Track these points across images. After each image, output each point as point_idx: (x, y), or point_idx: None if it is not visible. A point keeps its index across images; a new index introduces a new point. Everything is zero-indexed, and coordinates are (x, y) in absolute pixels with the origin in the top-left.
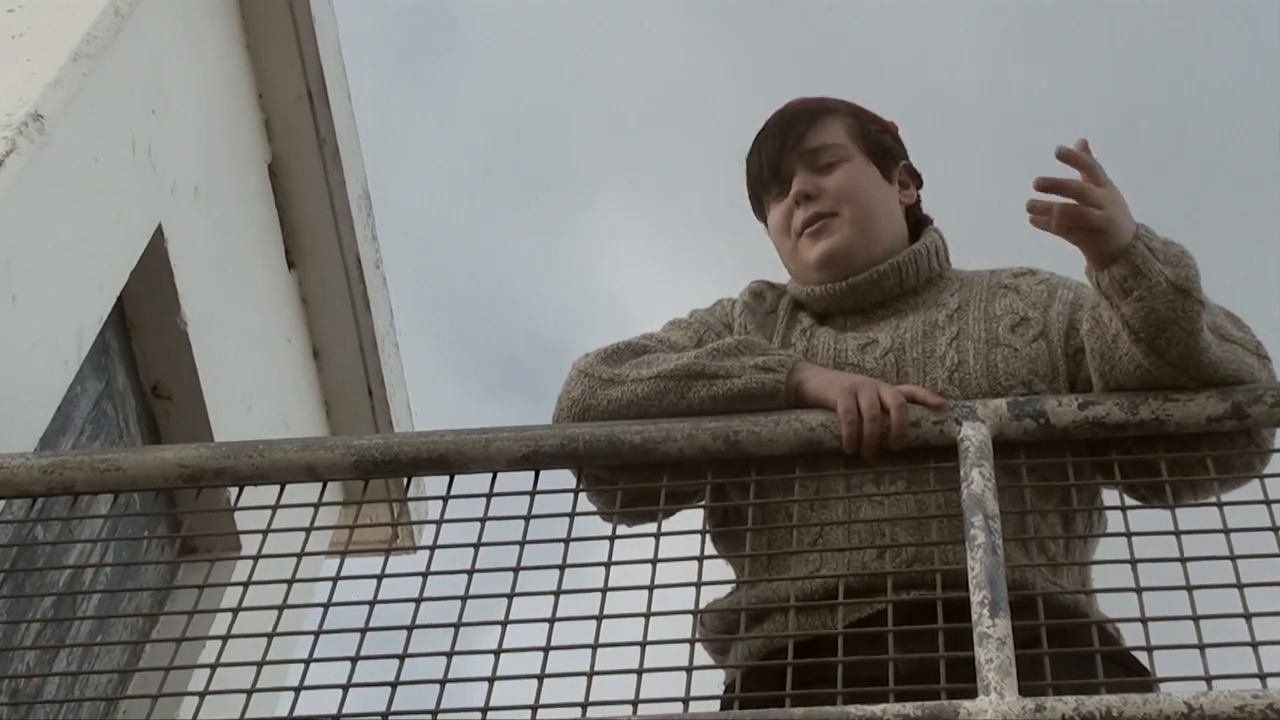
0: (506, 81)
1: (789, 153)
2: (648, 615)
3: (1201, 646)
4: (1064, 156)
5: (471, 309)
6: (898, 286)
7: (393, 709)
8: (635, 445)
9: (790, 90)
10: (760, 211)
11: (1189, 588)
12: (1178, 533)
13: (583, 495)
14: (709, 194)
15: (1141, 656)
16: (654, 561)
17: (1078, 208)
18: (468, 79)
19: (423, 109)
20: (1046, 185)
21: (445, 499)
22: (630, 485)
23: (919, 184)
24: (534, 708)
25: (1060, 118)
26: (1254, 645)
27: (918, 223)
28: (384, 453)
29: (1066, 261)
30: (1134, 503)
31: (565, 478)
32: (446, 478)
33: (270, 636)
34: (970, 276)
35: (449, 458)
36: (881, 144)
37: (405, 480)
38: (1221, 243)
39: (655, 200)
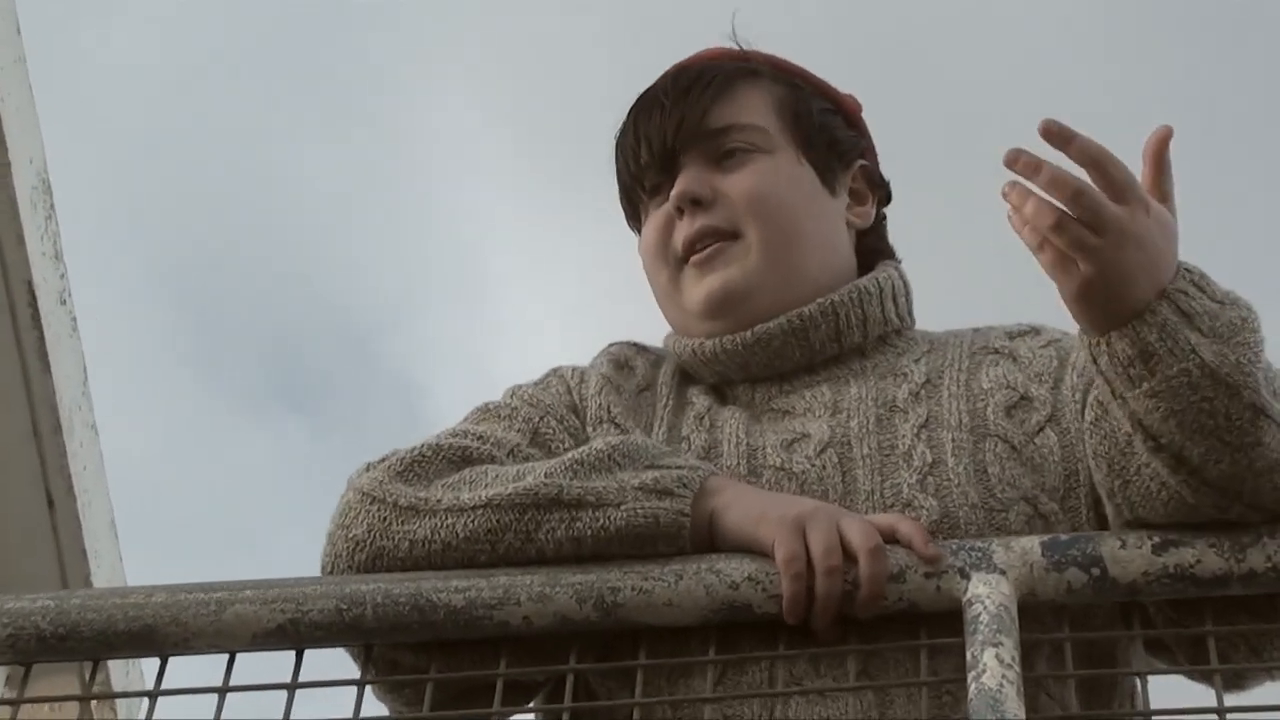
0: None
1: (681, 133)
2: None
3: None
4: (1051, 132)
5: (226, 300)
6: (833, 342)
7: None
8: (455, 611)
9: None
10: (634, 221)
11: None
12: None
13: (373, 689)
14: (600, 66)
15: None
16: None
17: (1062, 221)
18: None
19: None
20: (1015, 161)
21: (154, 695)
22: (448, 674)
23: (883, 198)
24: None
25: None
26: None
27: (873, 255)
28: (57, 623)
29: None
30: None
31: (345, 662)
32: (157, 661)
33: None
34: (943, 339)
35: (159, 630)
36: (826, 131)
37: (92, 666)
38: None
39: (513, 95)
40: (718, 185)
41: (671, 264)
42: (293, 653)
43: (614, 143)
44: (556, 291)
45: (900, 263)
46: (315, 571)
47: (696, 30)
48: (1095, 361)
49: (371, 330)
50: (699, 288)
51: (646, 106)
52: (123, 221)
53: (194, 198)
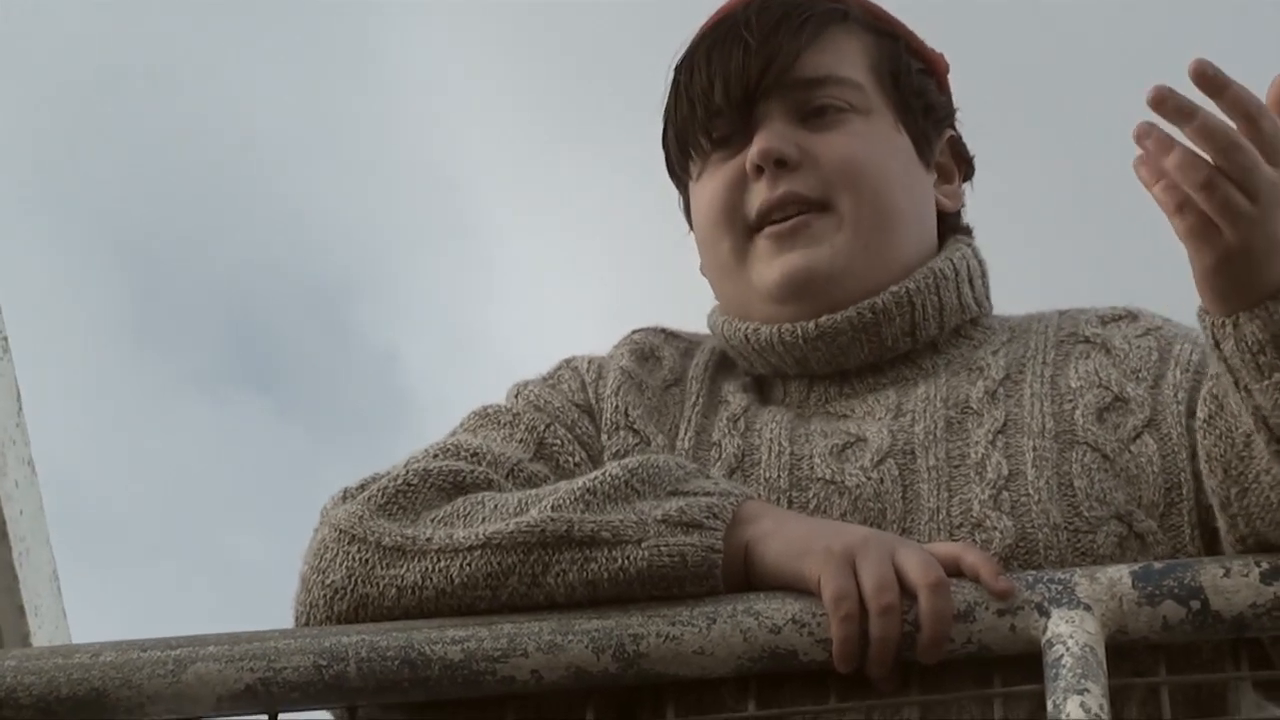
0: None
1: (765, 79)
2: None
3: None
4: (1205, 76)
5: (172, 265)
6: (907, 336)
7: None
8: (453, 666)
9: None
10: (683, 172)
11: None
12: None
13: None
14: None
15: None
16: None
17: (1214, 179)
18: None
19: None
20: (1162, 102)
21: None
22: None
23: (968, 174)
24: None
25: None
26: None
27: (948, 234)
28: None
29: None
30: None
31: None
32: None
33: None
34: (1024, 324)
35: (109, 695)
36: (924, 96)
37: None
38: None
39: (510, 11)
40: (805, 145)
41: (739, 230)
42: (264, 718)
43: (673, 76)
44: (562, 244)
45: (973, 239)
46: (290, 587)
47: None
48: (1219, 346)
49: (342, 293)
50: (774, 265)
51: (723, 40)
52: (44, 176)
53: (127, 144)
